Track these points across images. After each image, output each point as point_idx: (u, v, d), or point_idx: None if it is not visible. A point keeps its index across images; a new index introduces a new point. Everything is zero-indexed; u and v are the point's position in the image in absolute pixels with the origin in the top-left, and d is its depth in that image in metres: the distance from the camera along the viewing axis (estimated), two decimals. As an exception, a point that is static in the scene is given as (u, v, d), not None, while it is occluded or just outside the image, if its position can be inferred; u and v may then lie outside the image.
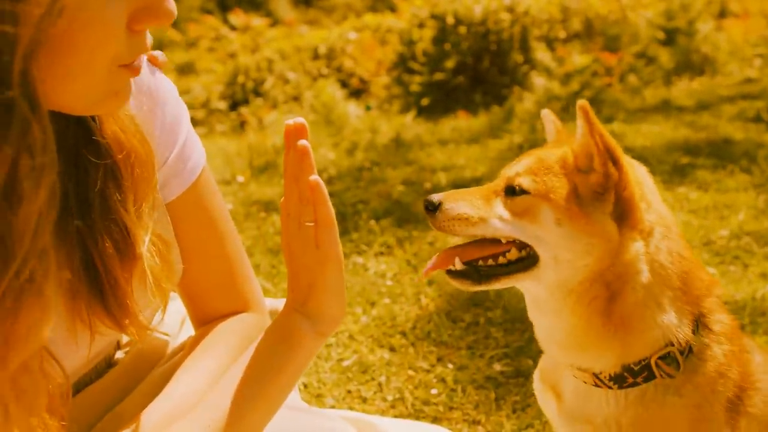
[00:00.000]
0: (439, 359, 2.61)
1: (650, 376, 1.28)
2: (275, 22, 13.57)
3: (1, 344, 0.71)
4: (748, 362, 1.33)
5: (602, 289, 1.26)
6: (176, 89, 1.16)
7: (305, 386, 2.51)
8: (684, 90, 7.04)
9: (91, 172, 0.94)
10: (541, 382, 1.48)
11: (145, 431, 1.00)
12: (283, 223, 1.05)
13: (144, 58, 0.87)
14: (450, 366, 2.56)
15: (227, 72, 9.19)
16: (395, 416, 2.32)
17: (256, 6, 19.34)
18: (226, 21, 11.82)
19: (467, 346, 2.67)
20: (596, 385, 1.32)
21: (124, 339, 1.24)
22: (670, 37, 8.42)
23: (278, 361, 1.03)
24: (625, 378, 1.29)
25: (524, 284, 1.35)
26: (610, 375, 1.30)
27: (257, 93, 8.75)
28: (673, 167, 4.41)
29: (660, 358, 1.26)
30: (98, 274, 0.96)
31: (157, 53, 1.12)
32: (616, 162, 1.25)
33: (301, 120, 0.99)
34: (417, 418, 2.30)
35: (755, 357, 1.35)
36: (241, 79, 8.91)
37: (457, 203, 1.32)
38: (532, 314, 1.40)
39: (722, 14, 9.94)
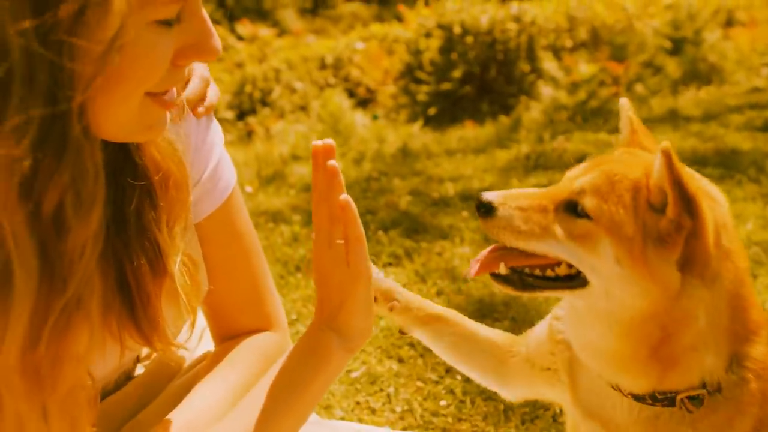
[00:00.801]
0: (448, 370, 2.61)
1: (670, 405, 1.24)
2: (282, 32, 13.65)
3: (52, 367, 0.74)
4: None
5: (655, 329, 1.19)
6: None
7: (314, 397, 2.51)
8: (691, 99, 7.03)
9: (127, 191, 0.96)
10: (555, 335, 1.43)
11: None
12: (314, 242, 1.07)
13: (175, 92, 0.90)
14: (458, 377, 2.56)
15: (234, 82, 9.24)
16: (404, 428, 2.32)
17: (263, 16, 19.42)
18: (233, 31, 11.88)
19: (476, 357, 2.67)
20: (614, 388, 1.29)
21: (143, 353, 1.26)
22: (677, 47, 8.43)
23: (307, 375, 1.05)
24: (644, 397, 1.25)
25: (568, 298, 1.29)
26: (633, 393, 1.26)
27: (264, 103, 8.80)
28: (681, 177, 4.40)
29: (688, 397, 1.22)
30: (130, 291, 0.99)
31: (211, 96, 1.13)
32: (694, 211, 1.14)
33: (329, 141, 1.02)
34: (426, 430, 2.31)
35: None
36: (248, 88, 8.96)
37: (513, 213, 1.23)
38: (570, 322, 1.33)
39: (729, 23, 9.91)
